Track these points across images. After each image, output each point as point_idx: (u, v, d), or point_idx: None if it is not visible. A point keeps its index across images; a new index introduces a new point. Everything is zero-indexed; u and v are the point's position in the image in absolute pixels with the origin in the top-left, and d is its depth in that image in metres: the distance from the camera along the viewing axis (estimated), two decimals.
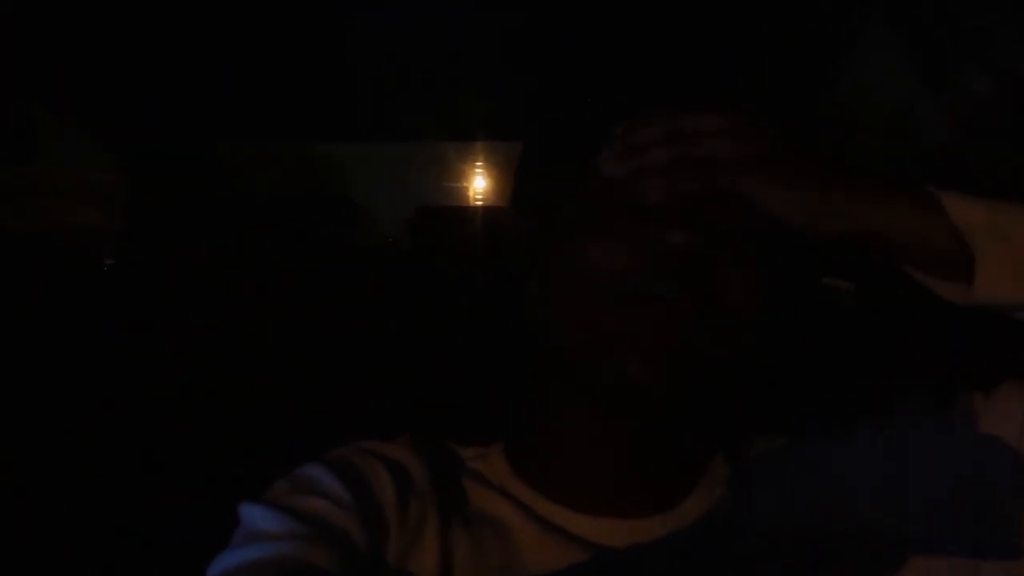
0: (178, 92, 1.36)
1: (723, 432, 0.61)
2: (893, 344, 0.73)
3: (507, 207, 0.67)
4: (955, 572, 0.53)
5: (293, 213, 1.46)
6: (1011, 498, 0.53)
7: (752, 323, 0.55)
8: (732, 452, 0.61)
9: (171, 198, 1.54)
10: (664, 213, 0.54)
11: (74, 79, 1.26)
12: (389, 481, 0.55)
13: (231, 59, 1.25)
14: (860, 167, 0.54)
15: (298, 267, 1.33)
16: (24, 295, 1.12)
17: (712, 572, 0.54)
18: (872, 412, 0.60)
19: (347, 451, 0.57)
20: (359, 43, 1.16)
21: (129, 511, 1.00)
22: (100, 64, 1.23)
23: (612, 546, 0.55)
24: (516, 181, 0.67)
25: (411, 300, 1.12)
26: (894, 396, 0.61)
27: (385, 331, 1.13)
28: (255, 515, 0.51)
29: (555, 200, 0.59)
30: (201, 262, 1.39)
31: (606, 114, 0.58)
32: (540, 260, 0.59)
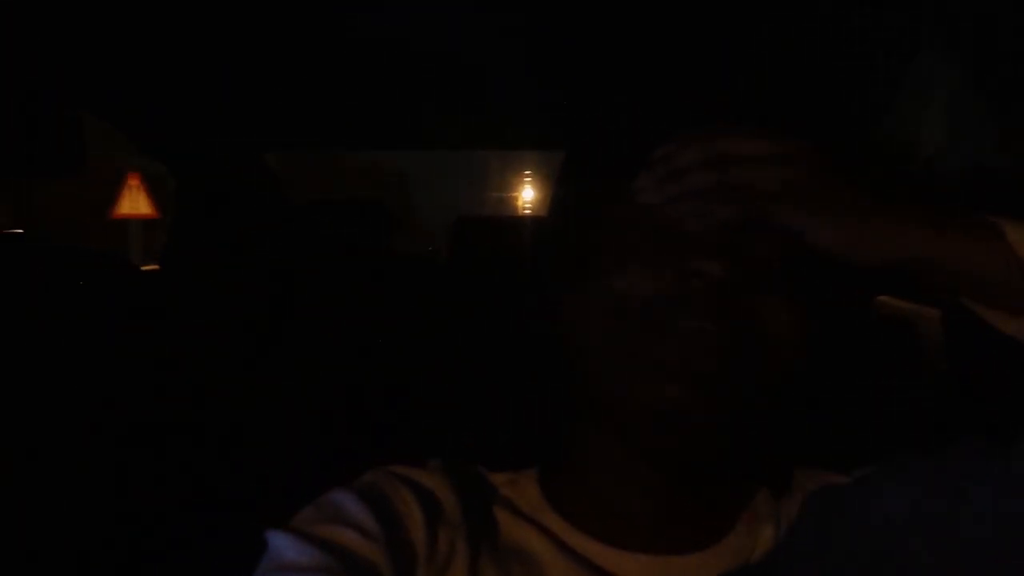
0: (224, 101, 1.38)
1: (765, 466, 0.58)
2: (950, 377, 0.70)
3: (547, 220, 0.66)
4: None
5: (331, 220, 1.47)
6: None
7: (792, 355, 0.53)
8: (775, 487, 0.58)
9: (216, 204, 1.57)
10: (701, 240, 0.52)
11: (122, 88, 1.28)
12: (418, 511, 0.54)
13: (276, 68, 1.26)
14: (912, 193, 0.51)
15: (335, 274, 1.33)
16: (65, 301, 1.13)
17: None
18: (924, 447, 0.57)
19: (376, 477, 0.56)
20: (406, 53, 1.15)
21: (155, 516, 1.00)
22: (147, 73, 1.24)
23: None
24: (553, 197, 0.66)
25: (446, 312, 1.11)
26: (949, 431, 0.58)
27: (417, 343, 1.12)
28: (282, 545, 0.50)
29: (590, 221, 0.57)
30: (241, 267, 1.40)
31: (644, 136, 0.56)
32: (574, 281, 0.57)
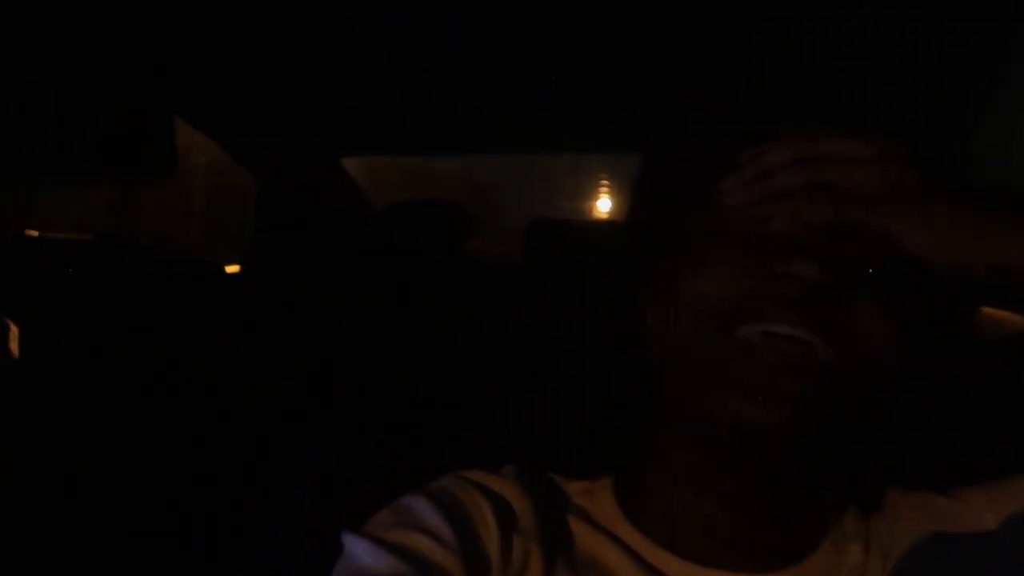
0: (307, 106, 1.40)
1: (855, 483, 0.56)
2: None
3: (626, 226, 0.64)
4: None
5: (408, 223, 1.48)
6: None
7: (887, 367, 0.50)
8: (866, 506, 0.56)
9: (297, 208, 1.60)
10: (791, 242, 0.50)
11: (210, 92, 1.31)
12: (492, 518, 0.53)
13: (355, 73, 1.28)
14: (1017, 199, 0.48)
15: (411, 277, 1.34)
16: (155, 304, 1.17)
17: None
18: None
19: (450, 483, 0.56)
20: (484, 56, 1.16)
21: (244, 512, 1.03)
22: (236, 77, 1.27)
23: None
24: (633, 200, 0.64)
25: (521, 317, 1.11)
26: None
27: (492, 349, 1.11)
28: (357, 549, 0.50)
29: (672, 225, 0.56)
30: (322, 270, 1.43)
31: (728, 137, 0.54)
32: (655, 288, 0.56)
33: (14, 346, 1.01)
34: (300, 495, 0.96)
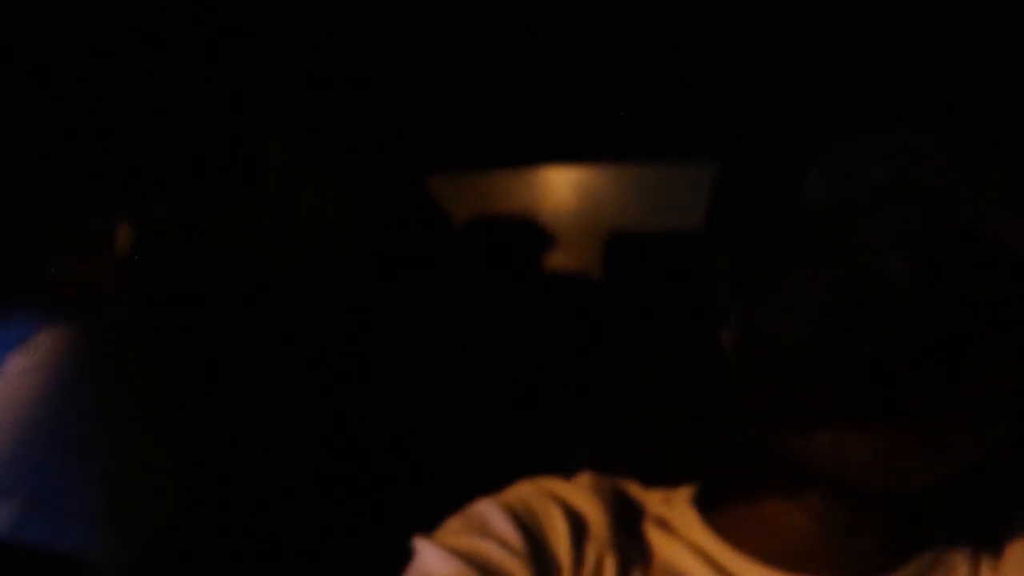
0: (395, 126, 1.43)
1: (962, 508, 0.52)
2: None
3: (706, 237, 0.62)
4: None
5: (486, 238, 1.49)
6: None
7: (1003, 383, 0.45)
8: (973, 535, 0.52)
9: (384, 229, 1.63)
10: (886, 244, 0.46)
11: (304, 114, 1.35)
12: (565, 525, 0.52)
13: (435, 90, 1.30)
14: None
15: (489, 293, 1.35)
16: (244, 329, 1.21)
17: None
18: None
19: (523, 490, 0.56)
20: (557, 63, 1.16)
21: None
22: (329, 100, 1.31)
23: None
24: (711, 208, 0.62)
25: (600, 334, 1.10)
26: None
27: (570, 362, 1.11)
28: (428, 556, 0.50)
29: (753, 230, 0.53)
30: (407, 290, 1.45)
31: (815, 130, 0.52)
32: (736, 302, 0.53)
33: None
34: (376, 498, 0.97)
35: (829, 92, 0.54)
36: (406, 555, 0.52)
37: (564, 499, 0.54)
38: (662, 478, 0.59)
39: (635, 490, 0.58)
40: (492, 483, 0.56)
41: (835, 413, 0.45)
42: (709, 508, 0.55)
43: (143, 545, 0.72)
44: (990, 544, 0.51)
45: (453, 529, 0.53)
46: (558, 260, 1.47)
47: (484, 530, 0.51)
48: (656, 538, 0.54)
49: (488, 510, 0.53)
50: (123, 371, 0.74)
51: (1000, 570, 0.50)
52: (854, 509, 0.50)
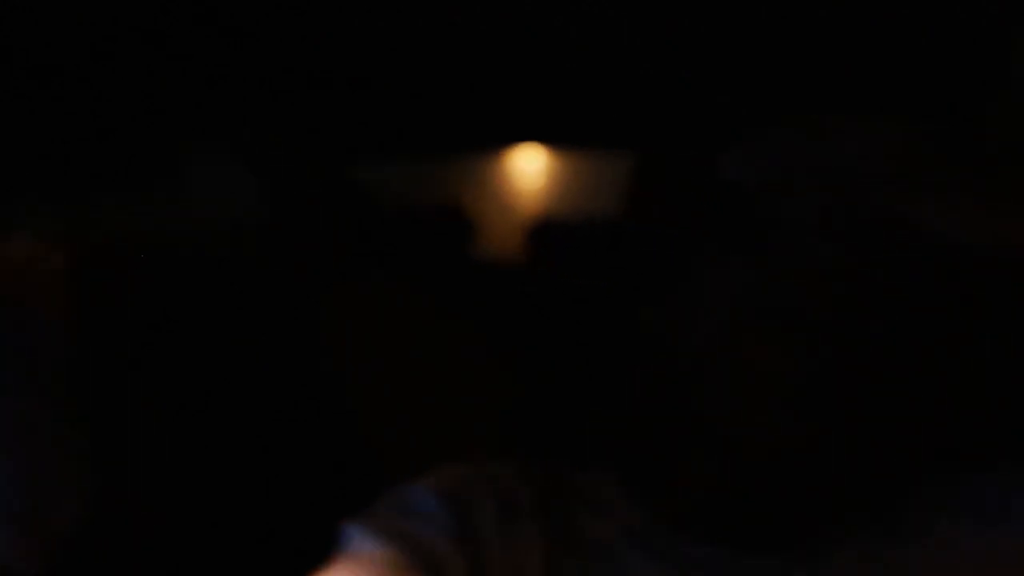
0: (314, 115, 1.41)
1: (882, 472, 0.54)
2: None
3: (629, 224, 0.64)
4: None
5: (409, 229, 1.48)
6: None
7: (912, 363, 0.48)
8: (891, 492, 0.54)
9: (303, 216, 1.61)
10: (800, 229, 0.49)
11: (212, 102, 1.32)
12: (493, 504, 0.53)
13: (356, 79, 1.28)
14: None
15: (410, 283, 1.35)
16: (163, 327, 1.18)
17: None
18: None
19: (451, 470, 0.56)
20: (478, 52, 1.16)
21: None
22: (241, 82, 1.28)
23: None
24: (631, 195, 0.64)
25: (523, 320, 1.11)
26: None
27: (496, 348, 1.12)
28: (355, 536, 0.51)
29: (671, 216, 0.55)
30: (325, 277, 1.43)
31: (731, 117, 0.54)
32: (655, 286, 0.55)
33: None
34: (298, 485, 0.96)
35: (746, 80, 0.56)
36: (334, 540, 0.52)
37: (492, 477, 0.56)
38: (584, 452, 0.60)
39: (560, 469, 0.60)
40: (418, 466, 0.57)
41: (759, 389, 0.48)
42: (633, 486, 0.56)
43: (61, 545, 0.70)
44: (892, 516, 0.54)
45: (382, 510, 0.53)
46: (480, 248, 1.47)
47: (413, 511, 0.52)
48: (580, 514, 0.56)
49: (416, 491, 0.53)
50: (38, 365, 0.72)
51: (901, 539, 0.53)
52: (767, 477, 0.52)
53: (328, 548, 0.52)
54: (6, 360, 0.69)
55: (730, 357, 0.49)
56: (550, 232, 1.44)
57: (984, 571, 0.50)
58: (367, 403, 1.13)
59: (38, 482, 0.67)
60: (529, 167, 1.47)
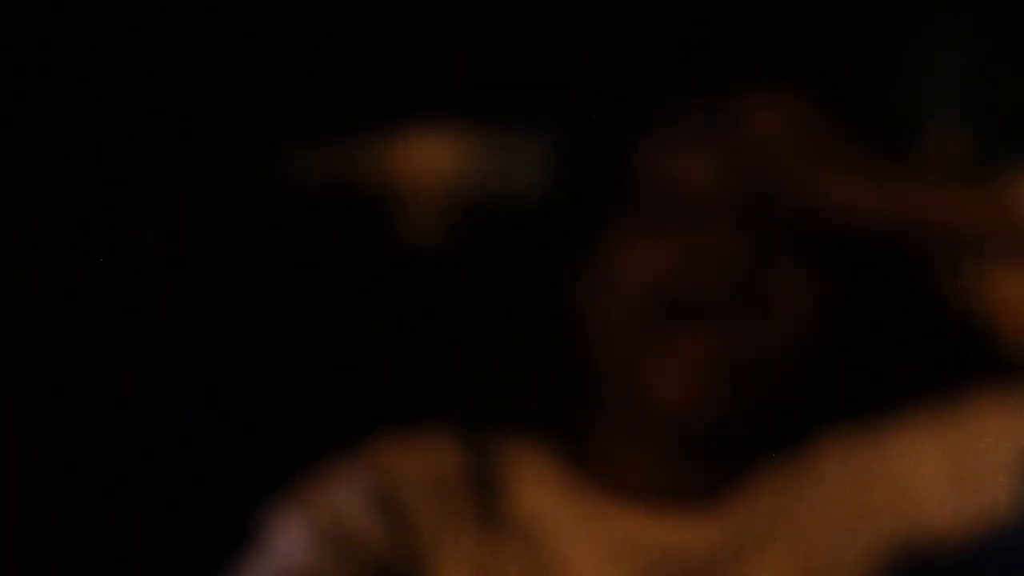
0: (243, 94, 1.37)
1: (790, 431, 0.56)
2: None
3: (547, 204, 0.64)
4: None
5: (320, 211, 1.46)
6: None
7: (809, 330, 0.51)
8: (795, 454, 0.56)
9: (215, 198, 1.56)
10: (705, 209, 0.50)
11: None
12: (419, 480, 0.53)
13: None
14: (929, 159, 0.51)
15: (328, 265, 1.33)
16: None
17: None
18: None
19: (374, 447, 0.55)
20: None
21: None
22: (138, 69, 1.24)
23: (662, 542, 0.53)
24: (552, 175, 0.64)
25: (446, 300, 1.11)
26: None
27: (422, 330, 1.11)
28: (270, 523, 0.50)
29: (586, 197, 0.56)
30: (246, 263, 1.39)
31: (641, 98, 0.55)
32: (573, 266, 0.56)
33: None
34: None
35: (658, 60, 0.57)
36: (251, 527, 0.50)
37: (417, 451, 0.55)
38: (516, 427, 0.60)
39: (491, 439, 0.59)
40: (344, 444, 0.56)
41: (655, 349, 0.50)
42: (564, 454, 0.57)
43: None
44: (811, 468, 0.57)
45: (299, 494, 0.52)
46: (409, 227, 1.46)
47: (332, 491, 0.51)
48: (512, 484, 0.56)
49: (337, 471, 0.52)
50: None
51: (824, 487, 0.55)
52: (688, 438, 0.53)
53: (246, 534, 0.50)
54: None
55: (646, 335, 0.51)
56: (472, 212, 1.44)
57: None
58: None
59: None
60: (451, 145, 1.46)
